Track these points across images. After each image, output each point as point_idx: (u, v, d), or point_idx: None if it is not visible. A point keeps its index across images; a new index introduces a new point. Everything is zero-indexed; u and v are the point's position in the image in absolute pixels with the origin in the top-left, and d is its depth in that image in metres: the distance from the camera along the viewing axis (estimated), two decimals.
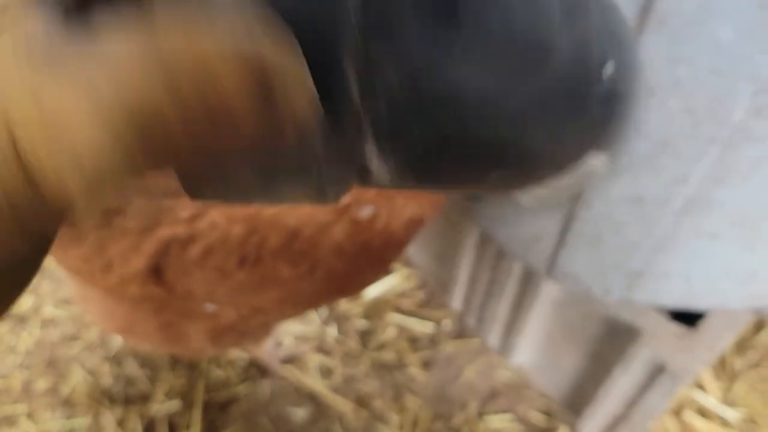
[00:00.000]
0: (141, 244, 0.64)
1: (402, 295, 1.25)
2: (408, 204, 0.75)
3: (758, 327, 1.19)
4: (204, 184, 0.22)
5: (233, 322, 0.82)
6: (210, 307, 0.79)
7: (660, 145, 0.63)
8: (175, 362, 1.11)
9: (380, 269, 0.85)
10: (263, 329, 0.92)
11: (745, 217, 0.68)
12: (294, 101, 0.17)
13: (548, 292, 0.98)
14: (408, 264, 1.30)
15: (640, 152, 0.65)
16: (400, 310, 1.22)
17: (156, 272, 0.67)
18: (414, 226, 0.78)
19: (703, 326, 0.85)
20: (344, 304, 1.22)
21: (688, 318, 0.86)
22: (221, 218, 0.65)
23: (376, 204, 0.72)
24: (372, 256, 0.77)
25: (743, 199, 0.66)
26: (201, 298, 0.75)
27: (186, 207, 0.64)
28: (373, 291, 1.23)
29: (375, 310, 1.22)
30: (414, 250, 1.28)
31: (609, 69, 0.22)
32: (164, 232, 0.64)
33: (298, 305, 0.84)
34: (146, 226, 0.63)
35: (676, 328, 0.85)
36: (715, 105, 0.58)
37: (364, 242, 0.75)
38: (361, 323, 1.20)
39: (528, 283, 0.99)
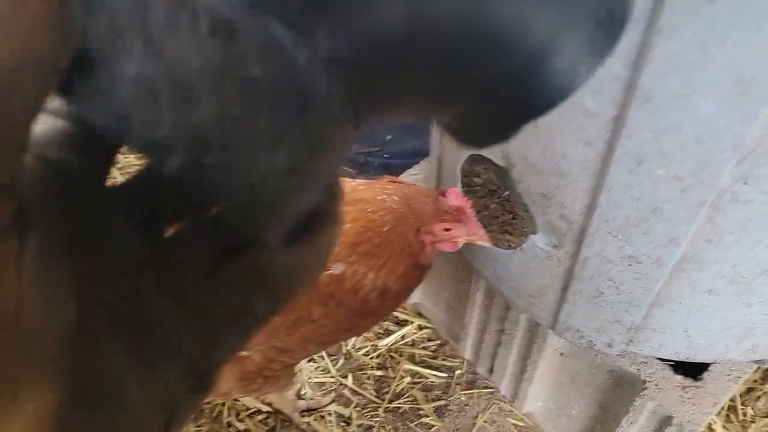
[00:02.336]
0: None
1: (415, 345, 1.28)
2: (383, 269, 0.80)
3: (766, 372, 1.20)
4: None
5: (259, 365, 0.86)
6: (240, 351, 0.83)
7: (650, 210, 0.66)
8: (198, 413, 1.14)
9: (387, 313, 0.90)
10: (286, 373, 0.96)
11: (739, 274, 0.71)
12: None
13: (555, 342, 1.01)
14: (420, 315, 1.33)
15: (631, 216, 0.68)
16: (413, 360, 1.25)
17: None
18: (405, 282, 0.82)
19: (708, 378, 0.86)
20: (360, 355, 1.25)
21: (692, 369, 0.88)
22: None
23: (346, 262, 0.78)
24: (371, 309, 0.82)
25: (736, 257, 0.69)
26: None
27: None
28: (388, 341, 1.26)
29: (389, 360, 1.25)
30: (425, 301, 1.31)
31: None
32: None
33: (321, 343, 0.88)
34: None
35: (680, 379, 0.87)
36: (701, 172, 0.61)
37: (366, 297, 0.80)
38: (376, 373, 1.22)
39: (535, 333, 1.02)
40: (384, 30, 0.17)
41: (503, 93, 0.19)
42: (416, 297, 1.30)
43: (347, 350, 1.26)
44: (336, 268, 0.79)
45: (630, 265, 0.73)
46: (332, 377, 1.21)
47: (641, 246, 0.71)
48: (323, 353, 1.24)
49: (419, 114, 0.21)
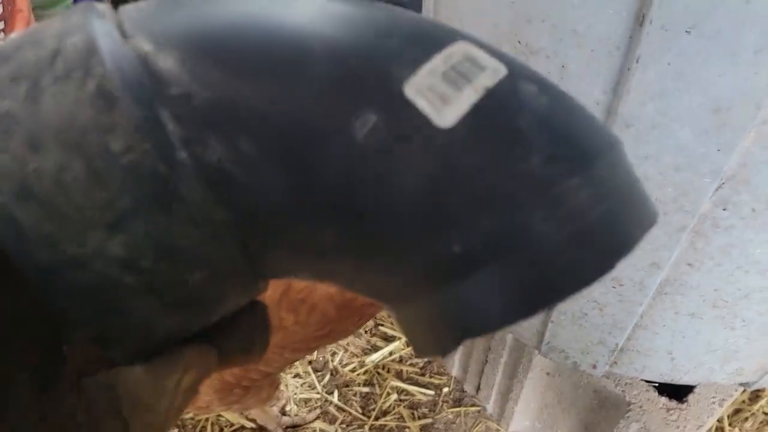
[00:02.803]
0: None
1: (403, 361, 1.27)
2: None
3: (756, 394, 1.20)
4: None
5: (236, 374, 0.85)
6: None
7: None
8: (182, 426, 1.13)
9: (364, 319, 0.89)
10: (267, 383, 0.95)
11: (720, 298, 0.71)
12: None
13: (541, 362, 1.00)
14: None
15: None
16: (400, 377, 1.24)
17: None
18: None
19: (692, 400, 0.86)
20: (347, 371, 1.24)
21: (677, 391, 0.88)
22: None
23: None
24: (355, 307, 0.82)
25: (717, 282, 0.69)
26: None
27: None
28: (374, 358, 1.26)
29: (376, 377, 1.24)
30: None
31: None
32: None
33: (296, 350, 0.87)
34: None
35: (664, 401, 0.87)
36: (682, 198, 0.62)
37: (349, 297, 0.80)
38: (362, 390, 1.22)
39: (521, 352, 1.02)
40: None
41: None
42: None
43: (334, 366, 1.26)
44: None
45: (613, 287, 0.73)
46: (318, 393, 1.20)
47: (624, 269, 0.71)
48: (309, 369, 1.24)
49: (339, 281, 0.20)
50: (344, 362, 1.26)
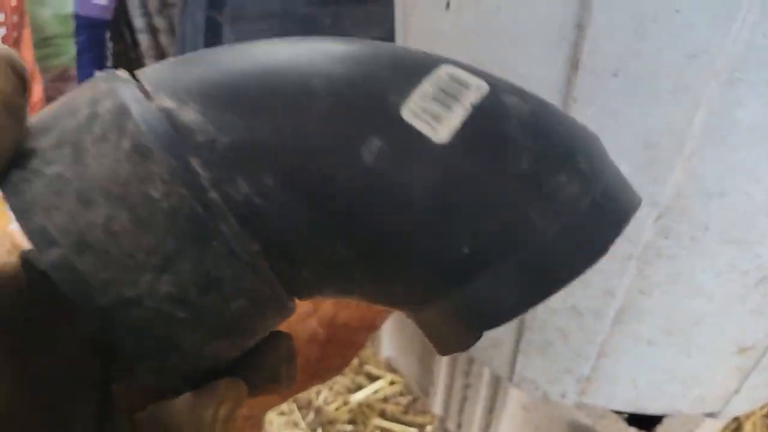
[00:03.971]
0: None
1: (386, 400, 1.30)
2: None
3: (738, 426, 1.21)
4: None
5: None
6: None
7: None
8: None
9: (353, 349, 0.91)
10: (249, 424, 0.97)
11: (674, 325, 0.75)
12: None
13: (517, 396, 1.03)
14: (391, 369, 1.35)
15: None
16: (384, 416, 1.26)
17: None
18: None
19: (659, 431, 0.89)
20: (330, 410, 1.26)
21: (649, 422, 0.91)
22: None
23: None
24: (342, 340, 0.84)
25: (668, 309, 0.73)
26: None
27: None
28: (359, 396, 1.28)
29: (360, 416, 1.26)
30: (398, 355, 1.34)
31: None
32: None
33: (283, 396, 0.89)
34: None
35: None
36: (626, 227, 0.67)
37: (336, 328, 0.81)
38: (346, 428, 1.23)
39: (498, 386, 1.04)
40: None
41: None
42: (389, 351, 1.32)
43: (318, 404, 1.28)
44: None
45: (574, 316, 0.77)
46: (302, 430, 1.22)
47: (581, 297, 0.75)
48: (293, 407, 1.26)
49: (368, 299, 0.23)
50: (329, 400, 1.28)
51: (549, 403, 0.98)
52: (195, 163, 0.19)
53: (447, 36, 0.70)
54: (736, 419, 1.19)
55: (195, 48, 1.61)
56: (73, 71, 1.76)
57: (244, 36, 1.65)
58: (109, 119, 0.18)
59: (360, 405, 1.26)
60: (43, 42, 1.69)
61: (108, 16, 1.85)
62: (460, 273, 0.21)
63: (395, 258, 0.21)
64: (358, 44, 0.22)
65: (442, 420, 1.25)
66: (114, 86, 0.19)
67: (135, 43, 2.45)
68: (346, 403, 1.26)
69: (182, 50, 1.62)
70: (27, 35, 1.48)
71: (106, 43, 1.88)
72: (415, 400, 1.28)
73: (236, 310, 0.20)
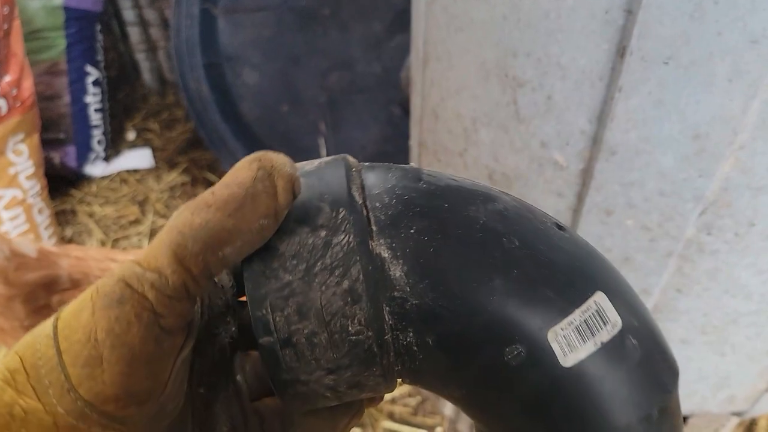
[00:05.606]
0: None
1: (395, 402, 1.26)
2: None
3: (750, 427, 1.20)
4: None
5: None
6: None
7: (622, 260, 0.68)
8: None
9: None
10: None
11: (709, 324, 0.72)
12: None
13: None
14: None
15: None
16: (392, 418, 1.23)
17: None
18: None
19: (685, 431, 0.86)
20: None
21: None
22: None
23: None
24: None
25: (705, 307, 0.70)
26: None
27: None
28: None
29: (368, 417, 1.23)
30: None
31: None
32: None
33: None
34: None
35: None
36: (667, 223, 0.64)
37: None
38: (354, 431, 1.20)
39: None
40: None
41: None
42: None
43: None
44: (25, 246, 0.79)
45: None
46: None
47: None
48: None
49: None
50: None
51: None
52: (386, 311, 0.24)
53: (477, 24, 0.67)
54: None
55: (189, 41, 1.56)
56: (64, 65, 1.69)
57: (239, 28, 1.60)
58: (340, 255, 0.24)
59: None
60: (31, 35, 1.62)
61: (99, 7, 1.78)
62: None
63: (492, 417, 0.26)
64: (573, 244, 0.26)
65: (452, 422, 1.22)
66: (349, 212, 0.24)
67: (124, 36, 2.39)
68: None
69: (177, 43, 1.57)
70: (17, 26, 1.42)
71: (97, 36, 1.82)
72: (424, 402, 1.25)
73: (361, 395, 0.26)
